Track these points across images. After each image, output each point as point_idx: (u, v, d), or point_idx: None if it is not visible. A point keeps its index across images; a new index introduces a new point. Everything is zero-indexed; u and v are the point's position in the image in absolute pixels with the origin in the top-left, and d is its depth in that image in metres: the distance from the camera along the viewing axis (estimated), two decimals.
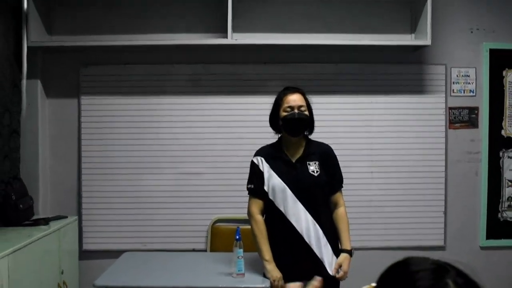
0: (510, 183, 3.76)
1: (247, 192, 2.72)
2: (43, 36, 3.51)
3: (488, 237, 3.75)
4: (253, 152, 2.79)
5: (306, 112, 2.62)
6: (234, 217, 3.60)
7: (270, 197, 2.62)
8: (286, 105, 2.61)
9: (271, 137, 2.80)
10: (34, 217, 3.33)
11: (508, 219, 3.76)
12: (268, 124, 2.76)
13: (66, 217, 3.42)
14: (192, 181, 3.65)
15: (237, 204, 3.52)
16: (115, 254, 3.36)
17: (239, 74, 3.66)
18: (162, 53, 3.64)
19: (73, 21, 3.62)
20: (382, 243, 3.66)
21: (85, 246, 3.64)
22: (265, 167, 2.65)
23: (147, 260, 3.00)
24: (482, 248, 3.76)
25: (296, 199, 2.57)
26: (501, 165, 3.77)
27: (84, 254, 3.63)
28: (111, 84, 3.64)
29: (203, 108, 3.65)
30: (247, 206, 2.71)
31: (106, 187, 3.64)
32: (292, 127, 2.61)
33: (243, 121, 3.65)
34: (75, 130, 3.66)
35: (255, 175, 2.67)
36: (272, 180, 2.61)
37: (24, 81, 3.48)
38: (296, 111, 2.59)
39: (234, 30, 3.43)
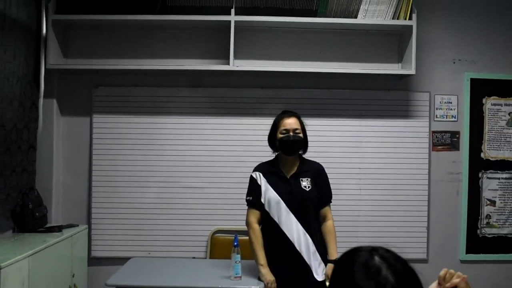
0: (488, 202, 4.05)
1: (246, 203, 3.01)
2: (59, 59, 3.82)
3: (468, 251, 4.02)
4: (250, 169, 3.10)
5: (300, 134, 2.93)
6: (232, 228, 3.86)
7: (266, 208, 2.91)
8: (282, 128, 2.92)
9: (267, 155, 3.11)
10: (47, 225, 3.62)
11: (487, 235, 4.04)
12: (263, 143, 3.08)
13: (77, 225, 3.70)
14: (194, 194, 3.93)
15: (235, 216, 3.81)
16: (120, 261, 3.64)
17: (238, 97, 3.95)
18: (167, 77, 3.94)
19: (87, 46, 3.92)
20: None
21: (93, 253, 3.91)
22: (262, 181, 2.95)
23: (152, 265, 3.27)
24: (462, 262, 4.04)
25: (289, 211, 2.87)
26: (480, 185, 4.06)
27: (92, 261, 3.89)
28: (121, 104, 3.93)
29: (205, 128, 3.94)
30: (245, 217, 2.99)
31: (114, 199, 3.91)
32: (287, 148, 2.92)
33: (241, 140, 3.94)
34: (86, 146, 3.95)
35: (254, 189, 2.97)
36: (268, 194, 2.91)
37: (41, 100, 3.75)
38: (291, 133, 2.90)
39: (235, 57, 3.72)
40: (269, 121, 3.09)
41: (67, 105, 3.96)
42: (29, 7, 3.59)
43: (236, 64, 3.72)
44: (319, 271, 2.89)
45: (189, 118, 3.95)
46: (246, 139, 3.93)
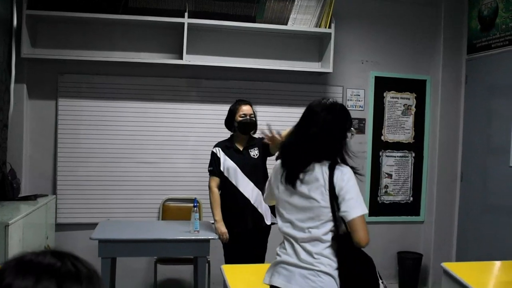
0: (386, 175, 5.08)
1: (207, 173, 3.77)
2: (29, 49, 4.30)
3: (370, 214, 5.00)
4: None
5: (254, 118, 3.72)
6: (181, 197, 4.59)
7: (226, 174, 3.69)
8: (241, 112, 3.69)
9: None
10: (20, 195, 4.13)
11: (385, 201, 5.09)
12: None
13: (47, 195, 4.26)
14: (147, 168, 4.58)
15: (183, 187, 4.57)
16: (82, 226, 4.34)
17: (186, 87, 4.65)
18: (126, 67, 4.53)
19: (54, 37, 4.41)
20: None
21: (58, 220, 4.46)
22: (221, 154, 3.72)
23: (120, 225, 3.94)
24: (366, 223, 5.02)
25: (244, 175, 3.68)
26: (381, 162, 5.08)
27: (57, 227, 4.45)
28: (83, 90, 4.49)
29: (157, 112, 4.59)
30: (208, 183, 3.75)
31: (77, 172, 4.48)
32: (245, 128, 3.71)
33: (187, 123, 4.62)
34: (52, 126, 4.47)
35: (214, 160, 3.73)
36: (227, 163, 3.69)
37: (12, 85, 4.21)
38: (248, 117, 3.69)
39: (187, 52, 4.37)
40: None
41: (35, 89, 4.43)
42: (5, 1, 4.07)
43: (188, 59, 4.40)
44: (268, 217, 3.73)
45: (143, 103, 4.58)
46: (192, 121, 4.62)
